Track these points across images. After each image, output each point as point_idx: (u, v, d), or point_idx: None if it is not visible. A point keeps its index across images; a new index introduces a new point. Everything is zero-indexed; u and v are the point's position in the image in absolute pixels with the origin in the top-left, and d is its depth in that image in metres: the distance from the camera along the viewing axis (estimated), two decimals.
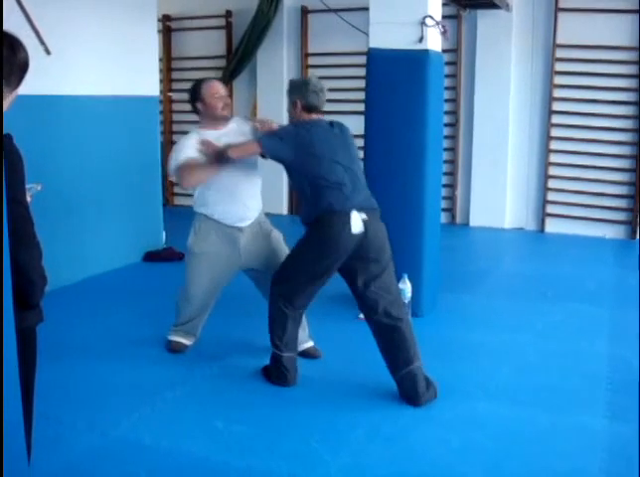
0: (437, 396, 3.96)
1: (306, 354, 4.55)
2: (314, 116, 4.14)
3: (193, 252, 4.56)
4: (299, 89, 4.14)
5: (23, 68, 2.06)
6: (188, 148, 4.29)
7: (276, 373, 4.15)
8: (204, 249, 4.50)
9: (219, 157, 4.10)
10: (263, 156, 4.14)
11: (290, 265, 4.10)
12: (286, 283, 4.06)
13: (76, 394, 4.04)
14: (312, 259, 3.97)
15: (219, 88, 4.49)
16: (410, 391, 3.91)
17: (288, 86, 4.27)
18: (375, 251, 3.92)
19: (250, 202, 4.46)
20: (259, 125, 4.44)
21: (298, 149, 3.96)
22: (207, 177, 4.25)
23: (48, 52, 5.61)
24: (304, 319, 4.48)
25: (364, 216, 3.86)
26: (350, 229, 3.83)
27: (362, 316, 5.41)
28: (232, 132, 4.39)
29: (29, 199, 2.16)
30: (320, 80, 4.24)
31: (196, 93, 4.49)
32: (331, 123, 4.12)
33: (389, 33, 5.25)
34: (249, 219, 4.46)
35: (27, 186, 2.10)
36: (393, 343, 3.95)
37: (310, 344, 4.62)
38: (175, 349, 4.71)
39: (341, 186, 3.91)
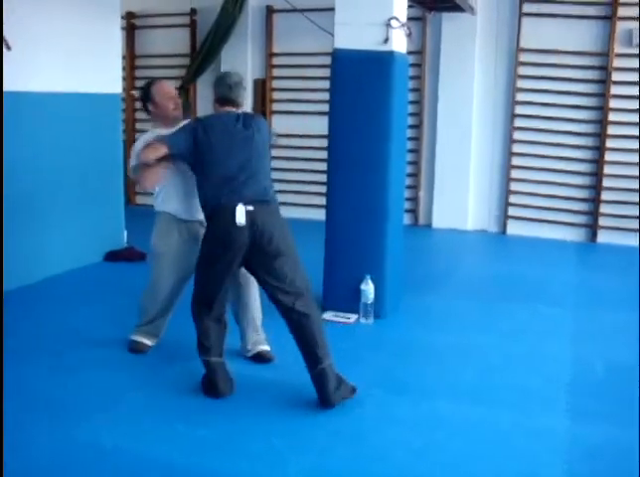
0: (354, 395, 3.88)
1: (258, 357, 4.51)
2: (226, 109, 4.12)
3: (156, 252, 4.55)
4: (216, 82, 4.18)
5: None
6: (140, 146, 4.32)
7: (208, 384, 4.05)
8: (167, 248, 4.48)
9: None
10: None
11: (197, 268, 4.08)
12: (197, 286, 4.05)
13: (35, 396, 3.97)
14: (210, 257, 3.96)
15: (169, 89, 4.60)
16: (320, 391, 3.83)
17: None
18: (267, 243, 3.87)
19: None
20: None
21: (195, 144, 3.97)
22: (159, 177, 4.25)
23: (8, 47, 5.51)
24: (258, 322, 4.49)
25: (250, 208, 3.83)
26: (234, 221, 3.81)
27: (325, 316, 5.43)
28: None
29: None
30: (239, 75, 4.23)
31: (146, 94, 4.55)
32: (238, 116, 4.06)
33: (354, 34, 5.25)
34: (194, 213, 4.44)
35: None
36: (302, 340, 3.90)
37: (263, 347, 4.55)
38: (137, 349, 4.65)
39: (232, 180, 3.90)
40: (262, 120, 4.22)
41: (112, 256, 7.15)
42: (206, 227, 4.07)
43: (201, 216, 4.33)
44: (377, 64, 5.22)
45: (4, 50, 5.45)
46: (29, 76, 5.98)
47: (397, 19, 5.20)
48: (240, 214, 3.81)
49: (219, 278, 3.99)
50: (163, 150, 4.07)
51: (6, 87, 5.55)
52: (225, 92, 4.10)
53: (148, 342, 4.66)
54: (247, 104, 9.76)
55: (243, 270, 4.15)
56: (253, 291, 4.48)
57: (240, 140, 3.98)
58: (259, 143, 4.05)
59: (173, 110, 4.51)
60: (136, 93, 10.34)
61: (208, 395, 4.03)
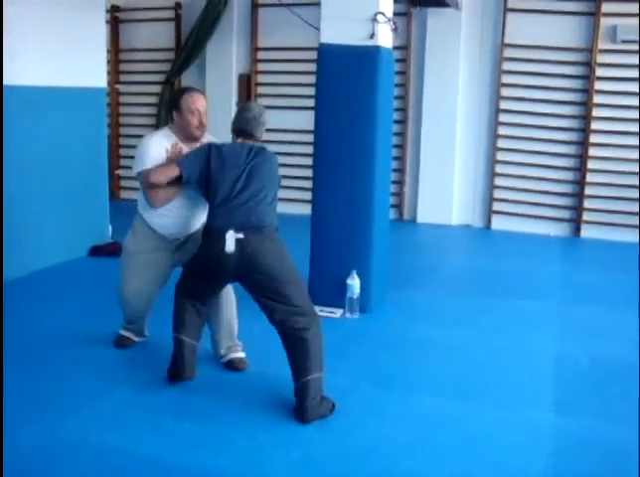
0: (331, 414, 3.76)
1: (230, 364, 4.37)
2: (240, 140, 4.10)
3: (127, 251, 4.48)
4: (236, 113, 4.15)
5: None
6: (152, 148, 4.20)
7: (173, 364, 4.05)
8: (138, 249, 4.40)
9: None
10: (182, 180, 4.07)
11: (187, 267, 4.10)
12: (184, 280, 4.07)
13: (20, 392, 3.94)
14: (197, 273, 3.99)
15: (198, 104, 4.24)
16: (298, 405, 3.74)
17: None
18: (256, 271, 3.82)
19: (192, 221, 4.35)
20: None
21: (207, 171, 3.95)
22: (170, 198, 4.18)
23: None
24: (233, 327, 4.40)
25: (240, 235, 3.79)
26: (224, 247, 3.78)
27: None
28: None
29: None
30: (260, 108, 4.16)
31: (175, 102, 4.30)
32: (251, 149, 4.03)
33: (340, 28, 5.24)
34: (185, 234, 4.36)
35: None
36: (295, 352, 3.82)
37: (237, 355, 4.39)
38: (121, 344, 4.64)
39: (228, 205, 3.87)
40: (274, 158, 4.16)
41: (97, 251, 7.11)
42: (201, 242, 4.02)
43: (176, 236, 4.32)
44: (363, 59, 5.21)
45: None
46: (13, 69, 5.92)
47: (383, 14, 5.20)
48: (230, 240, 3.78)
49: (205, 289, 4.03)
50: (175, 173, 4.03)
51: None
52: (242, 125, 4.08)
53: (134, 337, 4.65)
54: (232, 101, 9.75)
55: None
56: (229, 295, 4.37)
57: (248, 170, 3.95)
58: (266, 175, 4.01)
59: (195, 128, 4.23)
60: (121, 88, 10.36)
61: (169, 375, 4.05)
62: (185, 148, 4.23)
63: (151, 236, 4.36)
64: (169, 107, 4.37)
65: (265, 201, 3.96)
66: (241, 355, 4.41)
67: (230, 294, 4.38)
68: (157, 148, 4.20)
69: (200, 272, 3.98)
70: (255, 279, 3.86)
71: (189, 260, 4.10)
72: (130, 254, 4.45)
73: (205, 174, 3.96)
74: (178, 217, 4.28)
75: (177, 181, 4.08)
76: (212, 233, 3.89)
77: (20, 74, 6.05)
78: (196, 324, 4.08)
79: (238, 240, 3.78)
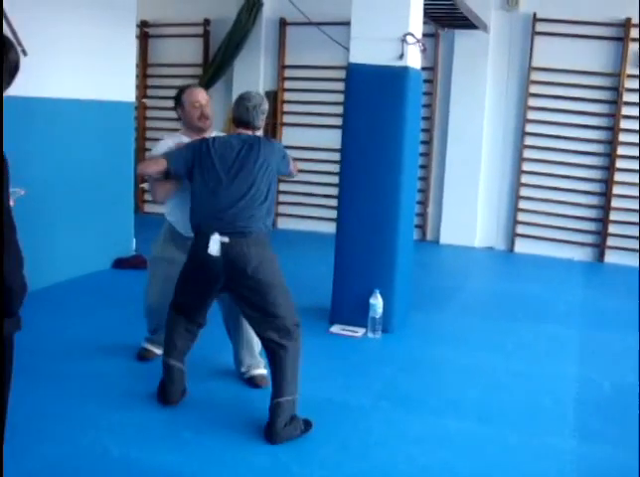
0: (302, 434, 3.70)
1: (252, 381, 4.38)
2: (241, 131, 4.03)
3: (151, 256, 4.58)
4: (235, 102, 4.09)
5: (14, 70, 2.01)
6: (159, 148, 4.29)
7: (160, 387, 4.05)
8: (162, 254, 4.46)
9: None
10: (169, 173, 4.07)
11: (178, 278, 4.01)
12: (175, 294, 4.01)
13: (42, 403, 3.97)
14: (187, 277, 3.92)
15: (198, 97, 4.39)
16: (268, 425, 3.67)
17: None
18: (241, 276, 3.74)
19: None
20: None
21: (194, 166, 3.92)
22: (169, 192, 4.23)
23: (24, 53, 5.52)
24: (254, 345, 4.33)
25: (225, 239, 3.72)
26: (208, 250, 3.74)
27: (333, 329, 5.44)
28: None
29: (12, 203, 2.10)
30: (259, 96, 4.11)
31: (178, 98, 4.44)
32: (246, 140, 3.95)
33: (369, 48, 5.26)
34: None
35: (10, 190, 2.04)
36: (273, 369, 3.77)
37: (258, 371, 4.40)
38: (144, 356, 4.68)
39: (215, 207, 3.81)
40: (276, 147, 4.08)
41: (120, 264, 7.16)
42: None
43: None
44: (391, 79, 5.24)
45: (20, 55, 5.47)
46: (43, 81, 6.01)
47: (412, 35, 5.22)
48: (214, 244, 3.72)
49: (196, 297, 3.94)
50: (162, 166, 4.03)
51: (20, 93, 5.55)
52: (241, 114, 4.01)
53: (157, 350, 4.66)
54: None
55: None
56: None
57: (238, 167, 3.85)
58: (259, 170, 3.88)
59: (198, 120, 4.35)
60: (148, 102, 10.44)
61: (158, 398, 4.03)
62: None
63: (175, 238, 4.38)
64: (174, 106, 4.43)
65: (255, 199, 3.83)
66: (263, 371, 4.40)
67: None
68: (163, 148, 4.28)
69: (190, 278, 3.90)
70: (240, 285, 3.77)
71: (183, 264, 4.03)
72: (154, 259, 4.53)
73: (190, 169, 3.93)
74: (185, 206, 4.21)
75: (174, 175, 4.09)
76: (198, 233, 3.82)
77: (50, 86, 6.13)
78: (187, 348, 4.05)
79: (222, 244, 3.71)
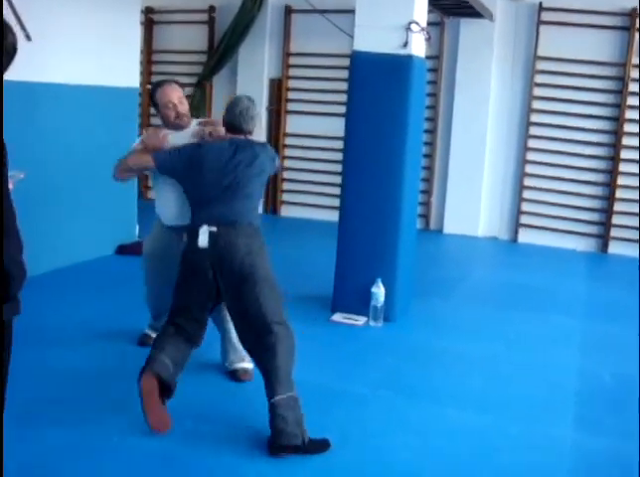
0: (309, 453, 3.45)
1: (234, 375, 4.32)
2: (232, 135, 4.02)
3: (144, 252, 4.62)
4: (226, 108, 4.05)
5: (11, 52, 2.01)
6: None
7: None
8: (152, 249, 4.52)
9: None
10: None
11: (176, 281, 3.94)
12: (173, 298, 3.91)
13: (42, 389, 3.98)
14: (182, 278, 3.87)
15: (169, 97, 4.32)
16: (271, 425, 3.47)
17: None
18: (229, 265, 3.70)
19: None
20: (205, 127, 4.32)
21: (186, 168, 3.93)
22: (131, 175, 4.40)
23: (28, 38, 5.53)
24: (234, 337, 4.18)
25: (213, 228, 3.72)
26: (198, 243, 3.73)
27: (334, 318, 5.44)
28: (188, 134, 4.29)
29: (10, 187, 2.10)
30: (250, 101, 4.05)
31: (152, 97, 4.46)
32: (237, 145, 3.94)
33: (373, 36, 5.25)
34: (185, 223, 4.17)
35: (9, 173, 2.04)
36: (261, 365, 3.65)
37: (240, 365, 4.31)
38: (145, 342, 4.66)
39: (205, 202, 3.84)
40: (265, 150, 4.07)
41: (123, 250, 7.17)
42: None
43: (177, 222, 4.27)
44: (396, 67, 5.22)
45: (25, 40, 5.47)
46: (47, 66, 6.00)
47: (417, 23, 5.20)
48: (203, 235, 3.72)
49: (192, 297, 3.85)
50: (147, 163, 4.10)
51: (25, 78, 5.56)
52: (231, 119, 4.01)
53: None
54: (262, 105, 9.76)
55: None
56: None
57: (228, 167, 3.86)
58: (251, 171, 3.90)
59: (174, 119, 4.31)
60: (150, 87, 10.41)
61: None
62: (172, 134, 4.27)
63: (164, 231, 4.40)
64: (150, 102, 4.44)
65: (246, 197, 3.87)
66: (246, 365, 4.30)
67: None
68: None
69: (184, 279, 3.84)
70: (228, 277, 3.71)
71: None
72: (146, 255, 4.58)
73: (180, 173, 3.96)
74: (175, 206, 4.26)
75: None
76: (190, 230, 3.83)
77: (55, 71, 6.12)
78: (175, 358, 3.76)
79: (211, 234, 3.70)
